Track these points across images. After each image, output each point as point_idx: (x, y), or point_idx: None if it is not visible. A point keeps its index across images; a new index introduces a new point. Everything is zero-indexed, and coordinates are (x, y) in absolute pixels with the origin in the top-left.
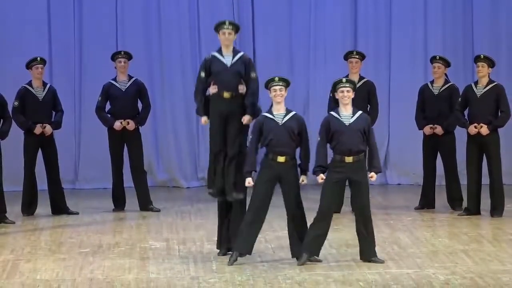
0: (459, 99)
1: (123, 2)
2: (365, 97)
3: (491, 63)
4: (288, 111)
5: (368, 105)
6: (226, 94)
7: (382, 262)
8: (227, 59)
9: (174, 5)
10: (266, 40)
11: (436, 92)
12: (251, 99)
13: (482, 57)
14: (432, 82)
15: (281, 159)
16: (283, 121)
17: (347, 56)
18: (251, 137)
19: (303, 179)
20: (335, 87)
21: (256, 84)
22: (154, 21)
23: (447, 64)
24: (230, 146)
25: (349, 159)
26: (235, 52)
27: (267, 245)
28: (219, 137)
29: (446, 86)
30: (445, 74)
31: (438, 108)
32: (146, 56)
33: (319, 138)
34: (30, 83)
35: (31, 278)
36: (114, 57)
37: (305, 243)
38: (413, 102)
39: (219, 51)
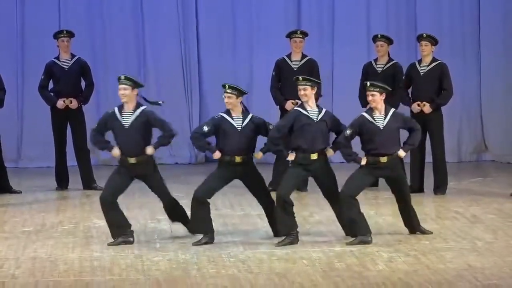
0: (403, 77)
1: None
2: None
3: (434, 41)
4: (246, 115)
5: None
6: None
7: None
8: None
9: None
10: (209, 19)
11: (379, 70)
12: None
13: (425, 35)
14: (375, 60)
15: (238, 159)
16: (243, 125)
17: (290, 35)
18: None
19: (257, 155)
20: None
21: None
22: None
23: (390, 42)
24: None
25: (314, 156)
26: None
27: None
28: None
29: (390, 64)
30: (388, 52)
31: None
32: (88, 34)
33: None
34: None
35: None
36: (56, 36)
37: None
38: (357, 79)
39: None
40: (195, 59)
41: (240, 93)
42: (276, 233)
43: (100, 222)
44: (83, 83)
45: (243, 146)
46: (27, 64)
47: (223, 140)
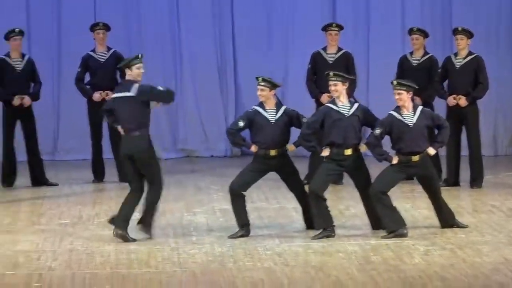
0: (439, 70)
1: None
2: (343, 69)
3: (469, 35)
4: (279, 107)
5: None
6: None
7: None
8: None
9: None
10: (245, 13)
11: (415, 63)
12: None
13: (460, 29)
14: (411, 53)
15: (273, 152)
16: (276, 118)
17: (326, 28)
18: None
19: (290, 147)
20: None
21: None
22: None
23: (425, 35)
24: None
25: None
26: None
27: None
28: None
29: (426, 57)
30: (423, 46)
31: (417, 79)
32: (124, 28)
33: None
34: (8, 55)
35: (11, 249)
36: (92, 28)
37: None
38: (392, 73)
39: None
40: (230, 54)
41: (273, 85)
42: (308, 226)
43: (136, 215)
44: (118, 76)
45: (277, 138)
46: (63, 57)
47: (257, 133)
